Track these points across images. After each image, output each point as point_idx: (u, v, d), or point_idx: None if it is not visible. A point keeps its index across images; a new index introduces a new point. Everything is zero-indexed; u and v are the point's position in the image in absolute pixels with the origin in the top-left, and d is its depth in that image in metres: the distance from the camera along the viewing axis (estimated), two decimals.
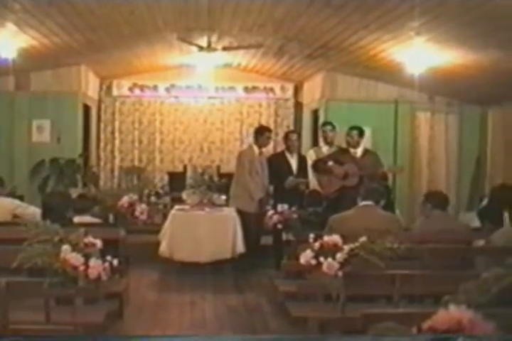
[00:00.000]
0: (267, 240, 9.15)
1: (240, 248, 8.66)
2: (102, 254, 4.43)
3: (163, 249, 8.66)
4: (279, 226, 7.72)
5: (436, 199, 6.24)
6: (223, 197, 9.52)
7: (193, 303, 7.32)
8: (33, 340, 3.55)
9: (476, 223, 7.16)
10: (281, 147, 10.69)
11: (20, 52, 8.14)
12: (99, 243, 4.49)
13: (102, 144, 13.08)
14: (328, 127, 9.47)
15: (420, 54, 8.02)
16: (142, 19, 8.32)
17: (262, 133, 9.34)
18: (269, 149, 10.83)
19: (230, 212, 9.00)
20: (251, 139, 9.73)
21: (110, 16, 8.03)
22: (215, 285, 8.24)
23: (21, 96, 10.89)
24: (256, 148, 9.26)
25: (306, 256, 4.73)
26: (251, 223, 8.95)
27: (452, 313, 2.29)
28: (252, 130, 10.07)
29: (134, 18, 8.21)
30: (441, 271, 5.05)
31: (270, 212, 7.88)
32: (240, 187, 9.16)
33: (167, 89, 12.98)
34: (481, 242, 6.26)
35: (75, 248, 4.28)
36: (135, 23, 8.50)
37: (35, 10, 7.15)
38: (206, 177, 10.14)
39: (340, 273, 4.59)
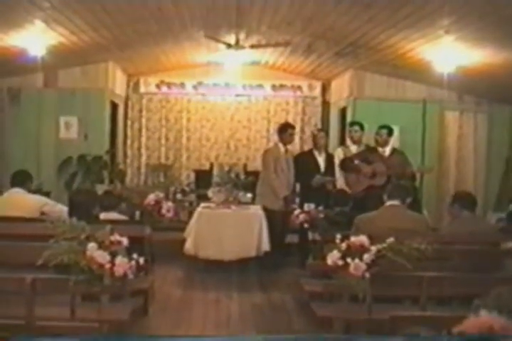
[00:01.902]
0: (292, 238, 9.12)
1: (265, 246, 8.62)
2: (128, 252, 4.43)
3: (189, 246, 8.65)
4: (306, 225, 7.68)
5: (465, 200, 6.14)
6: (249, 195, 9.49)
7: (218, 301, 7.31)
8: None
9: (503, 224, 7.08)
10: (308, 145, 10.64)
11: (49, 49, 8.19)
12: (125, 241, 4.48)
13: (128, 141, 13.11)
14: (355, 127, 9.36)
15: (449, 53, 7.97)
16: (170, 16, 8.32)
17: (285, 130, 9.31)
18: (295, 147, 10.79)
19: (256, 210, 8.96)
20: (276, 137, 9.71)
21: (138, 13, 8.04)
22: (239, 283, 8.23)
23: (49, 93, 10.93)
24: (281, 146, 9.24)
25: (333, 257, 4.68)
26: (276, 221, 8.92)
27: (483, 319, 2.24)
28: None
29: (161, 16, 8.22)
30: (470, 273, 4.98)
31: (297, 211, 7.84)
32: (266, 185, 9.15)
33: (194, 87, 12.99)
34: (510, 244, 6.17)
35: (101, 245, 4.28)
36: (163, 20, 8.50)
37: (63, 7, 7.17)
38: (232, 175, 10.10)
39: (367, 274, 4.54)
